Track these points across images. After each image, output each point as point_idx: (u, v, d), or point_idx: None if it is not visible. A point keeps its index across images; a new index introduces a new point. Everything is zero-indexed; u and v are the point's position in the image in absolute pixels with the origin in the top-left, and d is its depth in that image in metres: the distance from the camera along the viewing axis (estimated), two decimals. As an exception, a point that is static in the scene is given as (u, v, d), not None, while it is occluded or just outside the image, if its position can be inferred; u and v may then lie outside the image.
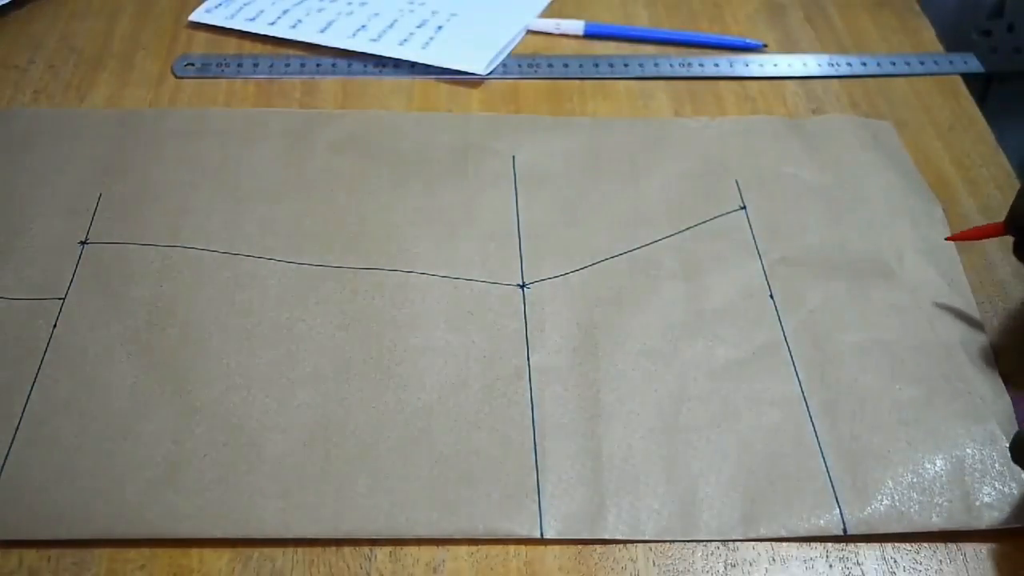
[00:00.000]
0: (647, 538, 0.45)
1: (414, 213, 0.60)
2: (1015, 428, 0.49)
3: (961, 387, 0.51)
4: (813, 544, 0.46)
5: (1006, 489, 0.47)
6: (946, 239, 0.58)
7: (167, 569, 0.44)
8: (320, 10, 0.76)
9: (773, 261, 0.58)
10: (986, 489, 0.47)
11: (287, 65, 0.72)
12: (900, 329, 0.54)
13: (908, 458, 0.48)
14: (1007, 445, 0.48)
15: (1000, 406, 0.50)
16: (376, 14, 0.76)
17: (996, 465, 0.48)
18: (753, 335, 0.54)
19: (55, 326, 0.52)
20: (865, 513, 0.46)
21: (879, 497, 0.47)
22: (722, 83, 0.72)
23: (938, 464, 0.48)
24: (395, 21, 0.75)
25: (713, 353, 0.53)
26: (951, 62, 0.74)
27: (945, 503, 0.47)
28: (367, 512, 0.45)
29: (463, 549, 0.45)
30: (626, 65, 0.73)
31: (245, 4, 0.77)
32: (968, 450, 0.49)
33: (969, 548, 0.46)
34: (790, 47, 0.76)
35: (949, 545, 0.46)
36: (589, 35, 0.76)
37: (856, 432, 0.49)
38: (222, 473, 0.47)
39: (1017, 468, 0.47)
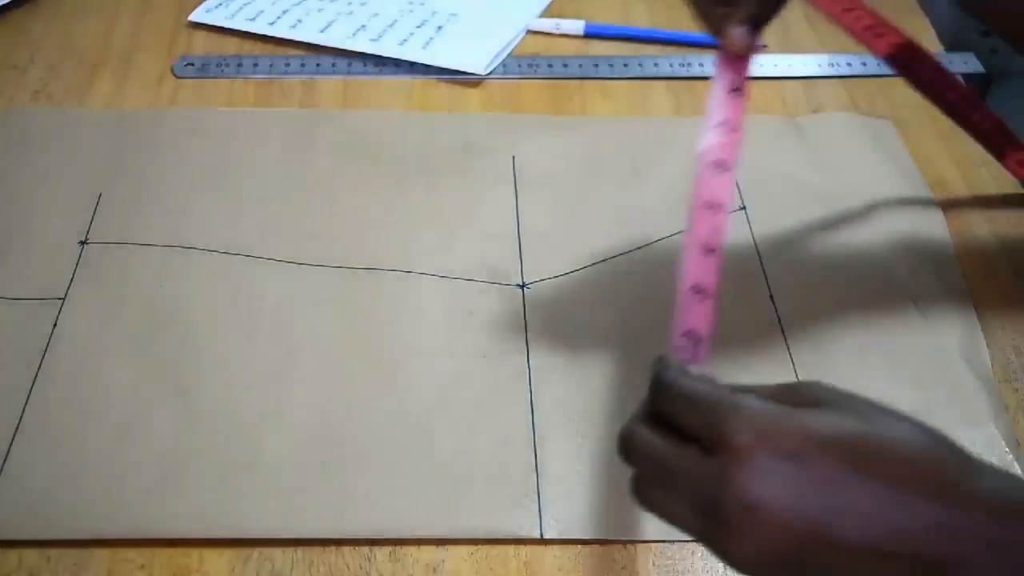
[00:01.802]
0: (647, 538, 0.45)
1: (414, 213, 0.60)
2: (1013, 435, 0.49)
3: (959, 392, 0.51)
4: (813, 544, 0.46)
5: (1005, 490, 0.47)
6: None
7: (167, 569, 0.44)
8: (320, 10, 0.76)
9: (773, 261, 0.58)
10: (985, 491, 0.47)
11: (287, 65, 0.72)
12: (899, 333, 0.54)
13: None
14: (1005, 449, 0.48)
15: (997, 411, 0.50)
16: (376, 14, 0.76)
17: (995, 468, 0.48)
18: (752, 336, 0.54)
19: (55, 326, 0.52)
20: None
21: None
22: (722, 83, 0.71)
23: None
24: (395, 21, 0.75)
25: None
26: (951, 62, 0.74)
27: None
28: (367, 512, 0.45)
29: (463, 549, 0.45)
30: (626, 65, 0.73)
31: (245, 4, 0.77)
32: (967, 452, 0.48)
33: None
34: (790, 47, 0.76)
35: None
36: (589, 35, 0.76)
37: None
38: (222, 473, 0.47)
39: (1017, 472, 0.47)
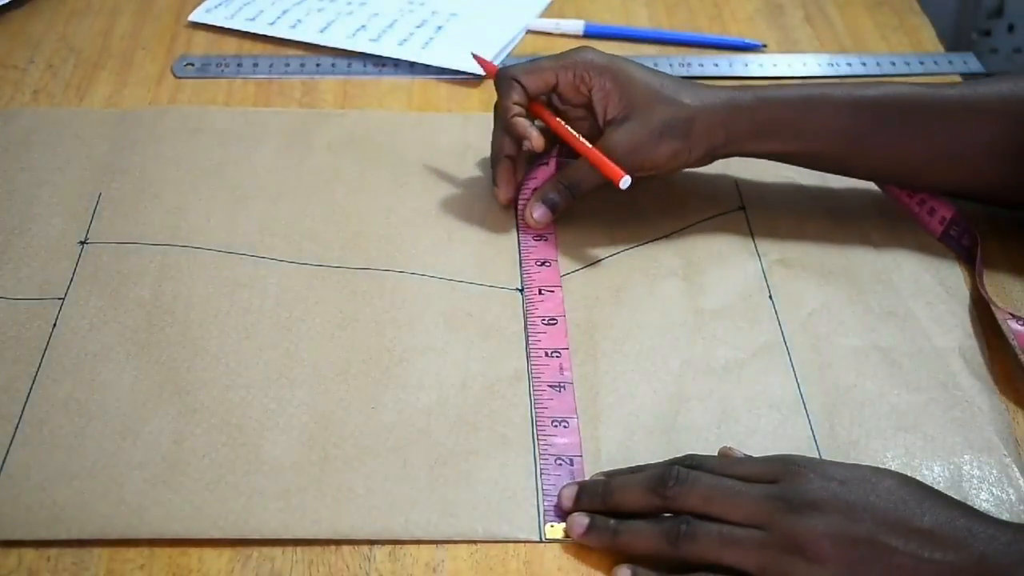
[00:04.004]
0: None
1: (413, 214, 0.60)
2: (1013, 435, 0.50)
3: (959, 395, 0.51)
4: (812, 545, 0.46)
5: (1004, 495, 0.47)
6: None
7: (167, 569, 0.44)
8: (320, 10, 0.76)
9: (772, 262, 0.58)
10: (984, 495, 0.47)
11: (287, 65, 0.72)
12: (898, 335, 0.54)
13: (906, 464, 0.48)
14: (1004, 452, 0.48)
15: (996, 414, 0.50)
16: (376, 14, 0.76)
17: (993, 471, 0.48)
18: (752, 336, 0.54)
19: (55, 326, 0.52)
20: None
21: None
22: (722, 83, 0.71)
23: (936, 470, 0.48)
24: (395, 21, 0.75)
25: (712, 353, 0.53)
26: (951, 62, 0.74)
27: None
28: (366, 513, 0.45)
29: (463, 549, 0.45)
30: (626, 65, 0.73)
31: (245, 4, 0.77)
32: (966, 456, 0.48)
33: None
34: (790, 47, 0.76)
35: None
36: (589, 35, 0.76)
37: (854, 437, 0.49)
38: (221, 473, 0.47)
39: (1016, 475, 0.47)
